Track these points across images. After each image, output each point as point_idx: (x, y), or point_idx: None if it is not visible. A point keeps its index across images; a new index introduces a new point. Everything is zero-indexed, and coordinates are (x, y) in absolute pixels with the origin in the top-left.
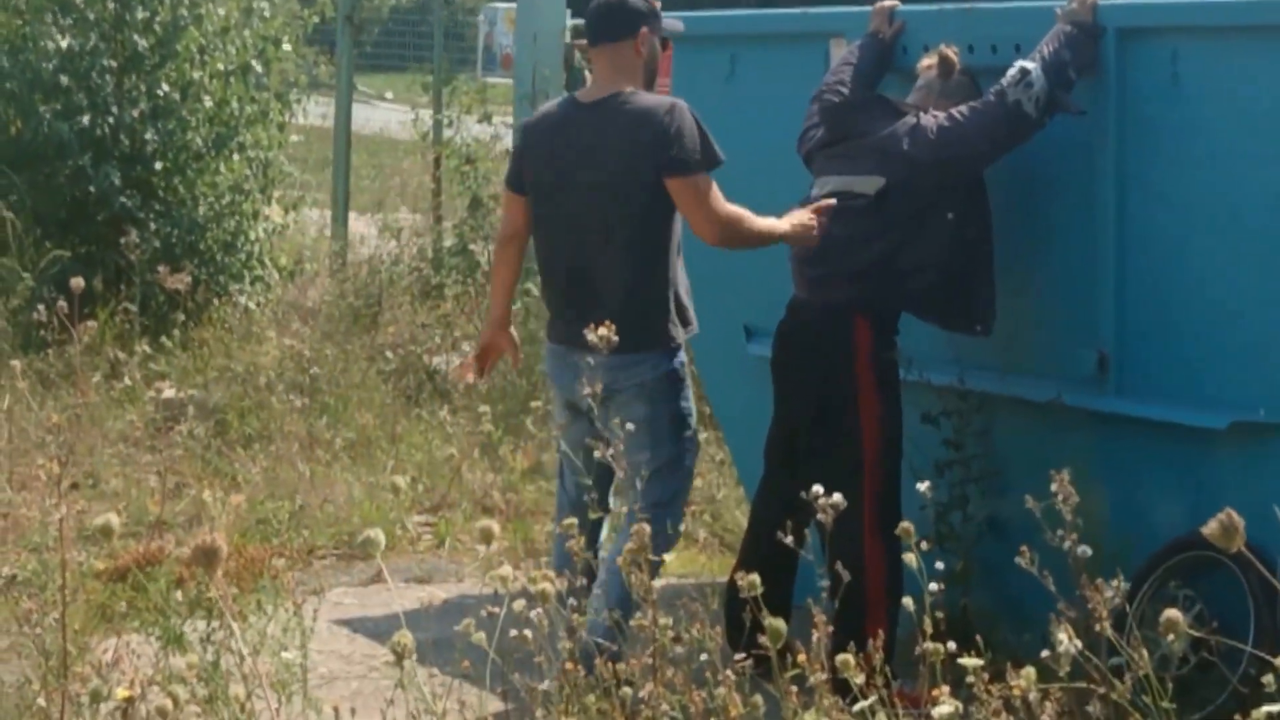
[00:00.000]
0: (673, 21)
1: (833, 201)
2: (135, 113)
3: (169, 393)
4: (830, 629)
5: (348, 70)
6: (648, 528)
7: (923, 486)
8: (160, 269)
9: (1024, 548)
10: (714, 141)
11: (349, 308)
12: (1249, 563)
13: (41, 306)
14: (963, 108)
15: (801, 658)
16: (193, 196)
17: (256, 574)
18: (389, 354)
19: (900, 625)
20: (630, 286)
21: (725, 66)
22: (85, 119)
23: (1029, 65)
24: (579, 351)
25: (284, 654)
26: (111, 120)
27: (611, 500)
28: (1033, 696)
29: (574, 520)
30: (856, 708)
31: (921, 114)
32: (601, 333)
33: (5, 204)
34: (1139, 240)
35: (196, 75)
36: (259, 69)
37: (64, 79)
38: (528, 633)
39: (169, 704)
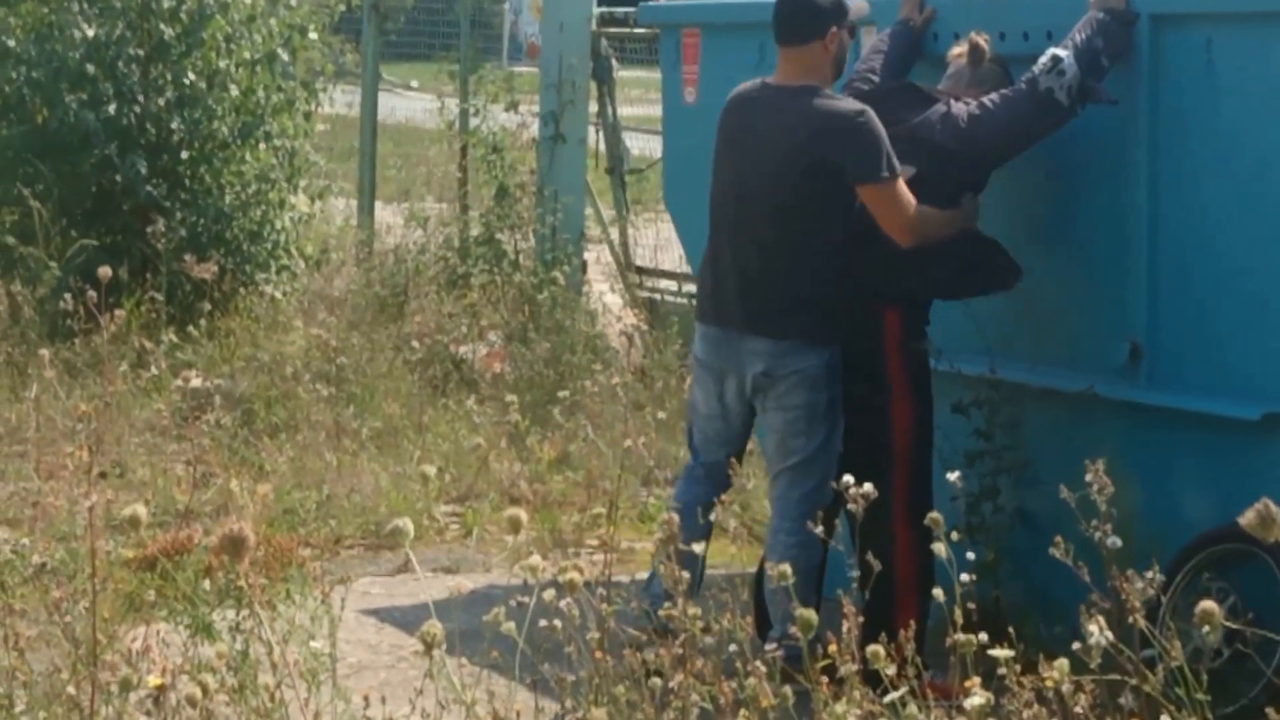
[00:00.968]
0: (859, 5)
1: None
2: (161, 102)
3: (195, 382)
4: (860, 620)
5: (373, 59)
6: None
7: (953, 476)
8: (186, 258)
9: (1058, 539)
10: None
11: (375, 297)
12: None
13: (68, 296)
14: (994, 95)
15: (832, 648)
16: (219, 185)
17: (285, 563)
18: (415, 343)
19: (930, 616)
20: (798, 275)
21: (754, 54)
22: (111, 108)
23: (1061, 53)
24: (739, 334)
25: (312, 643)
26: (138, 109)
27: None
28: (1065, 688)
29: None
30: (887, 699)
31: (953, 102)
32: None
33: (31, 193)
34: (1172, 230)
35: (223, 64)
36: (285, 57)
37: (90, 68)
38: (557, 623)
39: (198, 692)
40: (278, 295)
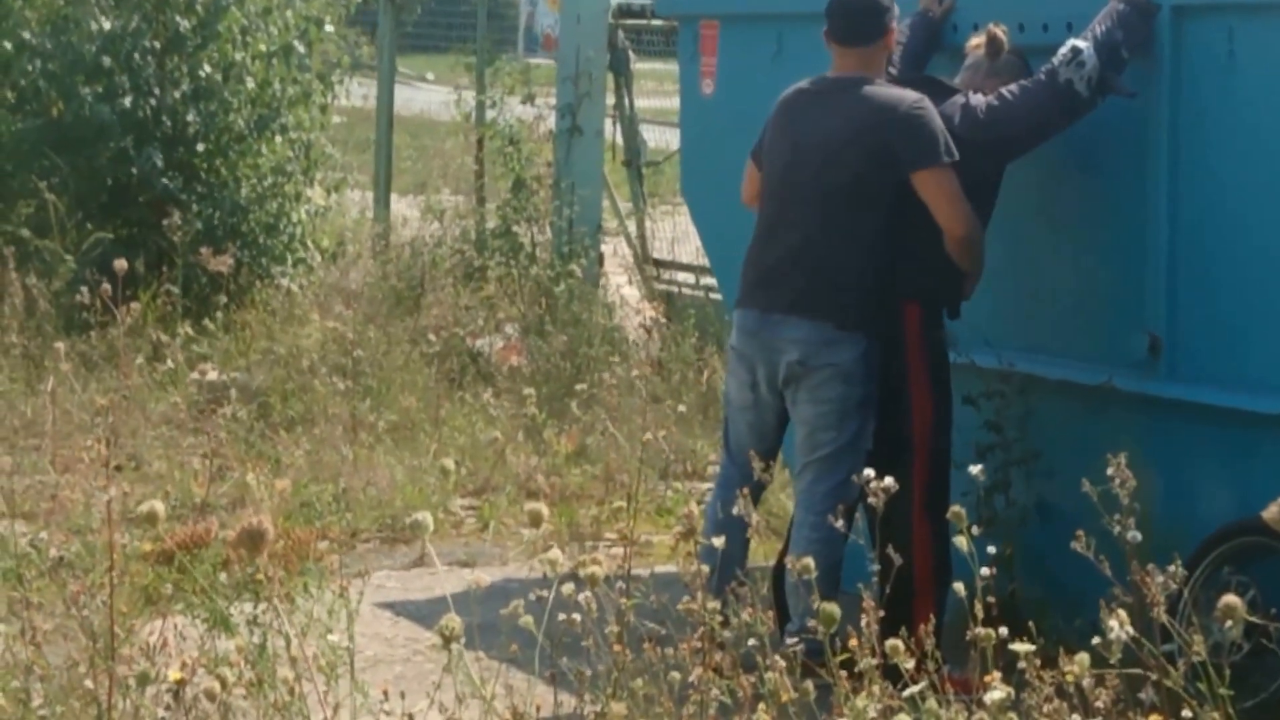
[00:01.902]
0: None
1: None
2: (177, 94)
3: (212, 375)
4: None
5: (390, 51)
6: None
7: (975, 470)
8: (202, 251)
9: (1079, 533)
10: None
11: (391, 290)
12: None
13: (84, 289)
14: (1013, 87)
15: (853, 642)
16: (235, 178)
17: (303, 557)
18: (432, 336)
19: (949, 610)
20: (844, 261)
21: (772, 45)
22: (127, 101)
23: (1081, 44)
24: (782, 316)
25: (330, 637)
26: (153, 102)
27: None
28: (1086, 683)
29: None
30: (906, 693)
31: (971, 93)
32: None
33: (47, 186)
34: (1192, 223)
35: (238, 56)
36: (301, 50)
37: (106, 60)
38: (576, 616)
39: (217, 686)
40: (294, 288)
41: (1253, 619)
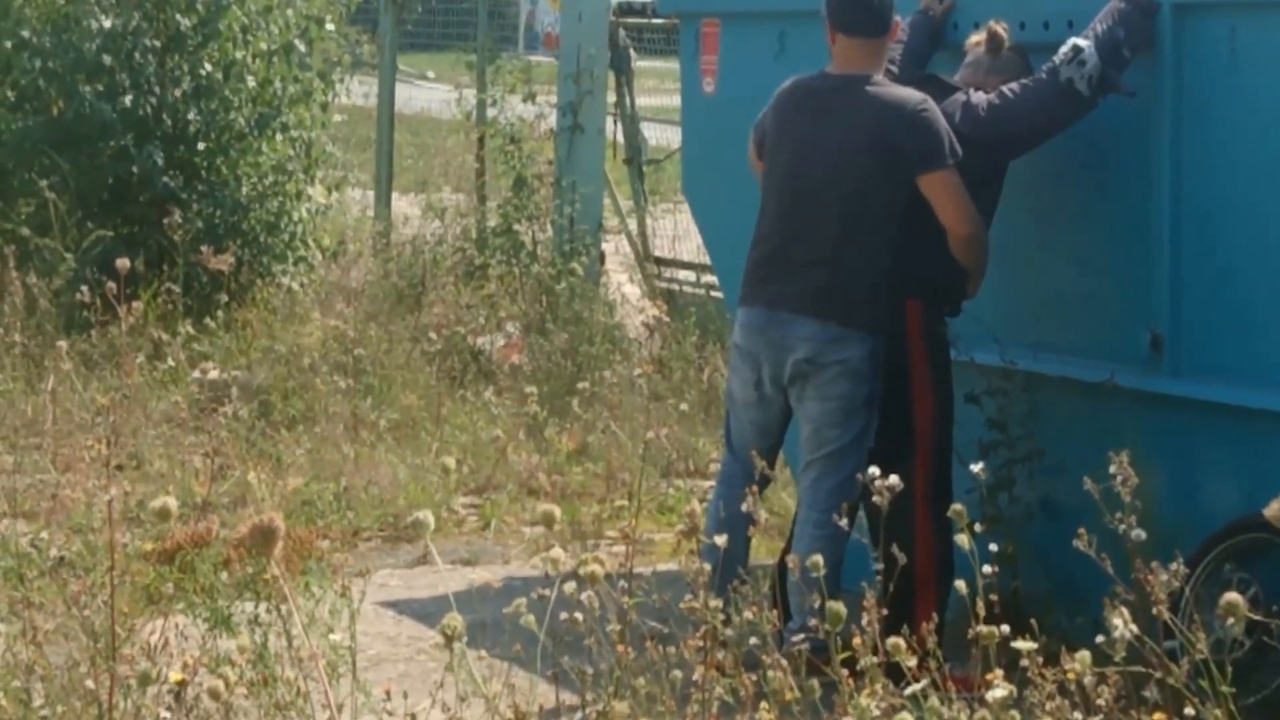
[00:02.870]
0: None
1: None
2: (178, 93)
3: (213, 374)
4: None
5: (391, 49)
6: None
7: (976, 468)
8: (203, 249)
9: (1082, 530)
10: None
11: (392, 288)
12: None
13: (85, 287)
14: (1014, 85)
15: (855, 641)
16: (235, 177)
17: (305, 556)
18: (433, 335)
19: (950, 608)
20: (853, 261)
21: (775, 44)
22: (128, 99)
23: (1082, 43)
24: (791, 315)
25: (332, 636)
26: (154, 100)
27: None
28: (1088, 680)
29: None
30: (908, 691)
31: (972, 91)
32: None
33: (48, 184)
34: (1194, 220)
35: (239, 55)
36: (302, 48)
37: (106, 59)
38: (578, 615)
39: (220, 685)
40: (295, 286)
41: (1254, 616)
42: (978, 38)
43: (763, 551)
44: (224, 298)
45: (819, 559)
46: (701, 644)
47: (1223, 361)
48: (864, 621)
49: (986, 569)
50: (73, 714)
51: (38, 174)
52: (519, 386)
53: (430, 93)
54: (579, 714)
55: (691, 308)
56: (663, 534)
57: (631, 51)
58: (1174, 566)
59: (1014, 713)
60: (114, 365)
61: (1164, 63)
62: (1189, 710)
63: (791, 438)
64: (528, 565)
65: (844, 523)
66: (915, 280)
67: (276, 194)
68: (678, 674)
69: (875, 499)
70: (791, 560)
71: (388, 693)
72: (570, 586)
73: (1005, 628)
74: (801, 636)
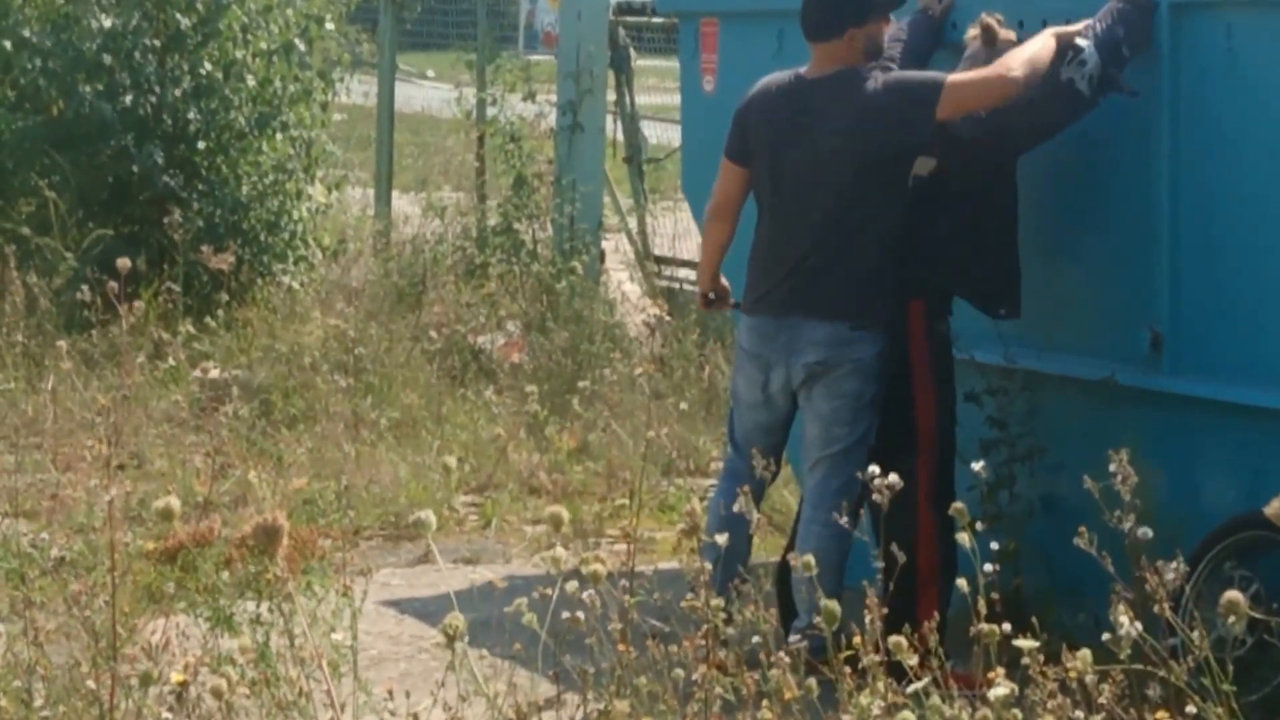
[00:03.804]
0: None
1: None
2: (178, 92)
3: (213, 373)
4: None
5: (390, 48)
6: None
7: (977, 466)
8: (203, 249)
9: (1083, 529)
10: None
11: (393, 287)
12: None
13: (85, 287)
14: None
15: (857, 640)
16: (236, 176)
17: (307, 555)
18: (433, 334)
19: (952, 605)
20: (857, 260)
21: (773, 43)
22: (128, 98)
23: (1081, 42)
24: (801, 321)
25: (334, 635)
26: (154, 100)
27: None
28: (1089, 679)
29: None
30: (910, 689)
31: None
32: None
33: (48, 184)
34: (1193, 217)
35: (239, 54)
36: (302, 47)
37: (106, 58)
38: (579, 614)
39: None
40: (295, 286)
41: (1256, 614)
42: (974, 32)
43: (765, 550)
44: (224, 297)
45: (817, 557)
46: (703, 643)
47: (1223, 359)
48: (866, 620)
49: (988, 567)
50: (74, 714)
51: (38, 173)
52: (519, 385)
53: (430, 91)
54: (580, 713)
55: (692, 306)
56: (664, 532)
57: (631, 50)
58: (1175, 564)
59: (1015, 711)
60: (114, 364)
61: (1162, 61)
62: (1190, 708)
63: (793, 437)
64: (529, 564)
65: (847, 521)
66: (917, 280)
67: (277, 193)
68: (679, 673)
69: (876, 498)
70: (794, 559)
71: (390, 692)
72: (572, 585)
73: (1006, 626)
74: (799, 636)
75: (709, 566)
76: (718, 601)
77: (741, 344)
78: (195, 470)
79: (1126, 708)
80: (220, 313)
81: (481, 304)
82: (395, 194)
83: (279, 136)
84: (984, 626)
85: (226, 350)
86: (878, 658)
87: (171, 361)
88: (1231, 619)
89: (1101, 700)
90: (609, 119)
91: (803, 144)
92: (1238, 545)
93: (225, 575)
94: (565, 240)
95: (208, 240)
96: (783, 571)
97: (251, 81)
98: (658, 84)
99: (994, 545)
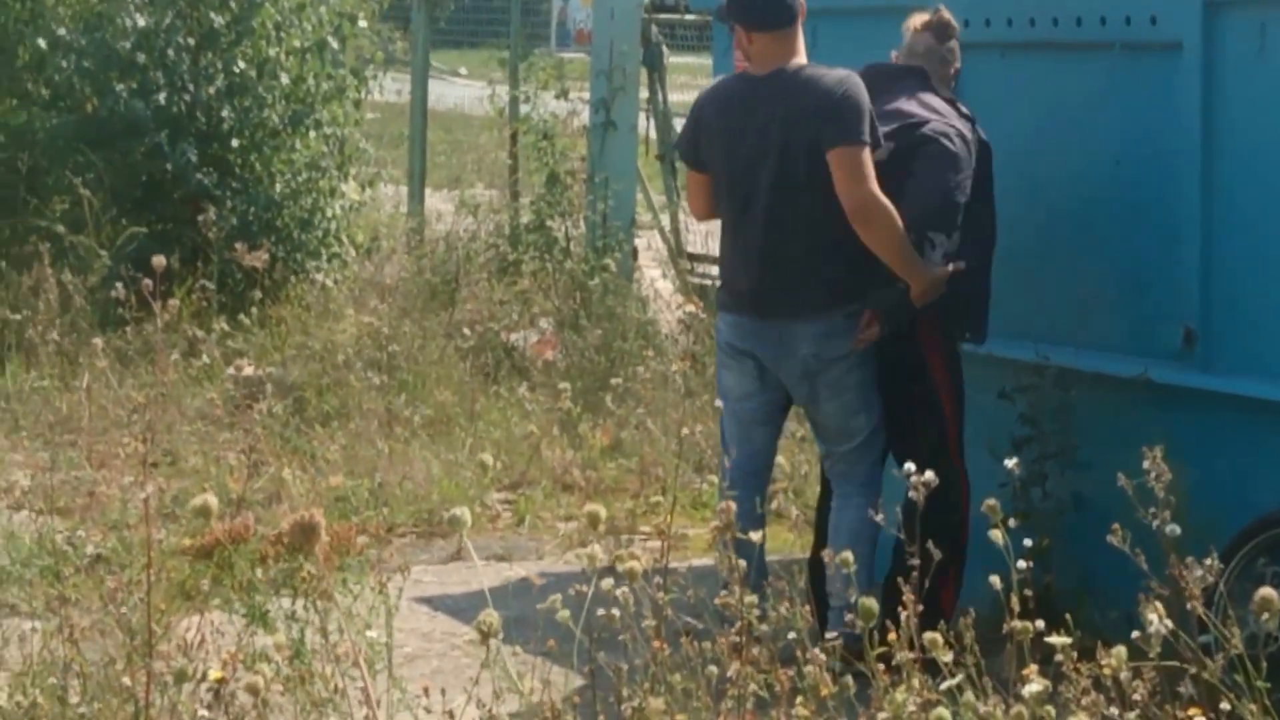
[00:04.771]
0: None
1: (962, 265)
2: (211, 90)
3: (247, 370)
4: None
5: (423, 46)
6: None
7: (1010, 463)
8: (237, 246)
9: (1116, 526)
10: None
11: (426, 285)
12: None
13: (119, 284)
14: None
15: (891, 636)
16: (269, 174)
17: (343, 552)
18: (467, 331)
19: (984, 602)
20: (827, 254)
21: (808, 39)
22: (161, 97)
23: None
24: (786, 322)
25: (369, 632)
26: (188, 98)
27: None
28: (1123, 676)
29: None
30: (944, 686)
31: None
32: None
33: (82, 182)
34: (1225, 215)
35: (273, 52)
36: (335, 45)
37: (140, 57)
38: (615, 611)
39: (260, 681)
40: (329, 283)
41: None
42: (918, 22)
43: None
44: (258, 294)
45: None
46: (737, 639)
47: (1256, 356)
48: (902, 617)
49: (1020, 564)
50: (109, 711)
51: (72, 171)
52: (552, 382)
53: (463, 89)
54: (614, 710)
55: None
56: (696, 529)
57: (664, 47)
58: (1208, 561)
59: (1049, 707)
60: (149, 362)
61: (1194, 57)
62: (1224, 705)
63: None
64: (561, 561)
65: (880, 517)
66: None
67: (310, 191)
68: (713, 670)
69: (912, 494)
70: (828, 555)
71: (425, 690)
72: (607, 582)
73: (1039, 623)
74: (836, 635)
75: (743, 564)
76: (751, 598)
77: (726, 339)
78: (229, 468)
79: (1160, 705)
80: (254, 310)
81: (514, 301)
82: (428, 191)
83: (312, 134)
84: (1016, 623)
85: (260, 348)
86: (912, 655)
87: (205, 359)
88: (1265, 616)
89: (1135, 697)
90: (642, 116)
91: (756, 145)
92: (1271, 541)
93: (260, 572)
94: (598, 237)
95: (241, 238)
96: (815, 567)
97: (285, 79)
98: (690, 81)
99: (1026, 542)
